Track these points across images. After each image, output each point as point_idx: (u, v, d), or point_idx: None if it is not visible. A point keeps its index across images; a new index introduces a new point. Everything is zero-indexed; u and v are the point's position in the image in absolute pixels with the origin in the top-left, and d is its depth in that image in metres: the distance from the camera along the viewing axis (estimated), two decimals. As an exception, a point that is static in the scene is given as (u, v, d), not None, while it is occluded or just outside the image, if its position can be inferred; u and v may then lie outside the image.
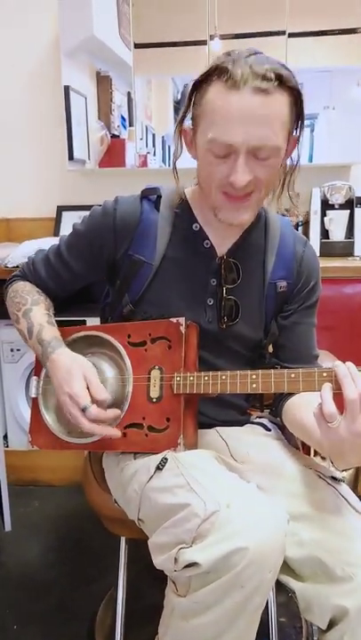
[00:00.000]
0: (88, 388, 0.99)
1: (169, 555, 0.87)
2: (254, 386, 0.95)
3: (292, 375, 0.92)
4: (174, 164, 1.04)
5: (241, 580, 0.82)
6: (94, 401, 0.98)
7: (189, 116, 1.00)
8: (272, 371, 0.95)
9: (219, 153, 0.93)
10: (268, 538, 0.84)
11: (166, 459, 0.97)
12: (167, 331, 1.05)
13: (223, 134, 0.91)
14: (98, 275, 1.18)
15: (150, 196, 1.11)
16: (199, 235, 1.10)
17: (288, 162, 1.02)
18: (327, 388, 0.86)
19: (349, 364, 0.87)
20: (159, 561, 0.90)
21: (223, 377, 0.98)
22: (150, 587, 1.48)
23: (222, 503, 0.85)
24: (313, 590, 0.91)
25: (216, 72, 0.91)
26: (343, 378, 0.85)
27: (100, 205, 1.12)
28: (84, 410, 0.97)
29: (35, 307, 1.13)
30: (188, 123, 1.01)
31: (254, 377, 0.95)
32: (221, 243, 1.09)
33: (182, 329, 1.04)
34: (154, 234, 1.09)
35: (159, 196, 1.10)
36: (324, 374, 0.89)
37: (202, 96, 0.94)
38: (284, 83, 0.90)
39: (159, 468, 0.96)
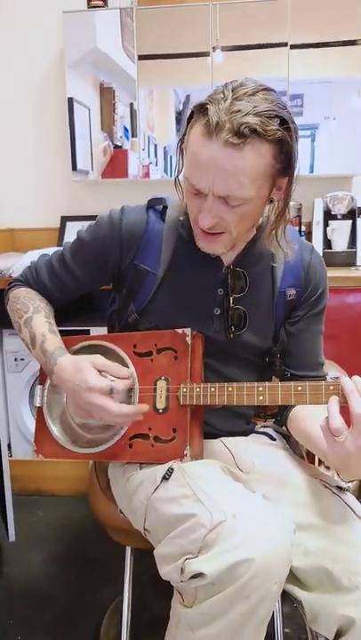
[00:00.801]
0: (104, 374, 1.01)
1: (175, 565, 0.87)
2: (261, 398, 0.96)
3: (299, 388, 0.93)
4: (177, 178, 1.05)
5: (247, 590, 0.82)
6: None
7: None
8: (279, 383, 0.95)
9: (192, 191, 0.95)
10: (273, 548, 0.84)
11: (172, 469, 0.98)
12: (173, 341, 1.06)
13: (193, 177, 0.93)
14: (102, 283, 1.19)
15: (156, 207, 1.12)
16: None
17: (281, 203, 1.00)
18: (334, 402, 0.86)
19: (356, 377, 0.87)
20: (165, 571, 0.90)
21: (230, 389, 0.99)
22: (155, 597, 1.48)
23: (228, 513, 0.86)
24: (319, 600, 0.91)
25: (201, 110, 0.91)
26: (350, 393, 0.85)
27: (107, 214, 1.13)
28: (111, 391, 0.98)
29: (36, 315, 1.13)
30: None
31: (261, 389, 0.96)
32: (228, 252, 1.09)
33: (188, 339, 1.04)
34: (159, 244, 1.10)
35: (165, 207, 1.11)
36: (331, 387, 0.89)
37: (191, 125, 0.94)
38: (265, 136, 0.87)
39: (165, 478, 0.97)
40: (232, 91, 0.89)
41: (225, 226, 0.97)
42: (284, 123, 0.89)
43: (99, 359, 1.03)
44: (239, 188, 0.90)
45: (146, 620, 1.43)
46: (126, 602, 1.25)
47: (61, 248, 1.20)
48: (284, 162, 0.93)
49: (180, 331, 1.06)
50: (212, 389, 1.00)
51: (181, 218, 1.10)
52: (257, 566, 0.81)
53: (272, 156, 0.91)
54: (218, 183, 0.90)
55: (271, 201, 1.00)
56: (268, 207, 1.02)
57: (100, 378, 1.00)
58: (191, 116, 0.94)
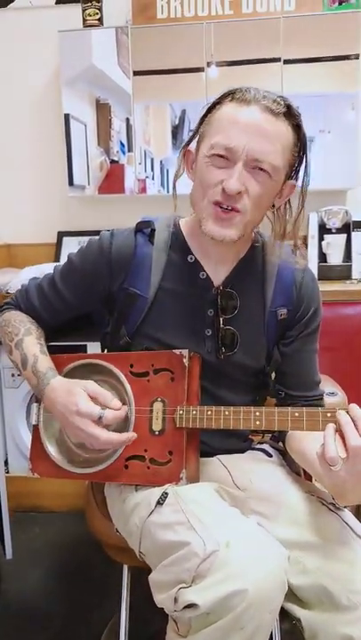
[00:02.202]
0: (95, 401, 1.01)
1: (169, 594, 0.87)
2: (258, 423, 0.96)
3: (296, 414, 0.93)
4: (174, 182, 1.07)
5: (241, 622, 0.81)
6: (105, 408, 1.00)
7: (197, 139, 1.03)
8: (276, 409, 0.95)
9: (218, 159, 0.96)
10: (267, 578, 0.84)
11: (167, 493, 0.97)
12: (170, 362, 1.06)
13: (227, 138, 0.95)
14: (91, 306, 1.19)
15: (145, 230, 1.12)
16: (194, 266, 1.10)
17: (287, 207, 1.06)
18: (331, 431, 0.86)
19: (353, 406, 0.87)
20: (159, 599, 0.90)
21: (226, 412, 0.98)
22: (153, 614, 1.47)
23: (222, 543, 0.85)
24: (318, 619, 0.91)
25: (229, 95, 0.97)
26: (345, 425, 0.85)
27: (97, 238, 1.13)
28: (99, 418, 0.98)
29: (27, 337, 1.13)
30: (193, 145, 1.05)
31: (258, 414, 0.96)
32: (217, 273, 1.10)
33: (185, 361, 1.04)
34: (148, 267, 1.10)
35: (153, 230, 1.12)
36: (328, 414, 0.89)
37: (211, 116, 0.99)
38: (293, 116, 0.96)
39: (159, 502, 0.97)
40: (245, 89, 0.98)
41: (244, 203, 0.97)
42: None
43: (91, 385, 1.03)
44: (273, 152, 0.95)
45: (143, 636, 1.42)
46: (123, 620, 1.25)
47: (52, 272, 1.20)
48: (297, 160, 1.00)
49: (177, 352, 1.05)
50: (209, 412, 1.00)
51: (176, 235, 1.11)
52: (251, 597, 0.81)
53: (292, 142, 0.98)
54: (255, 143, 0.94)
55: (273, 205, 1.03)
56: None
57: (90, 404, 0.99)
58: (206, 113, 1.01)
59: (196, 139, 1.04)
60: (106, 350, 1.25)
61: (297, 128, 0.99)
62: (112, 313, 1.16)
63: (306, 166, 1.02)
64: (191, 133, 1.05)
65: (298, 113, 0.98)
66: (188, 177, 1.07)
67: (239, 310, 1.10)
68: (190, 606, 0.83)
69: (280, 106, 0.95)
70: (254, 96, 0.95)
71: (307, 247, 2.36)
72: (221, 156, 0.96)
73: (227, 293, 1.09)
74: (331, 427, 0.87)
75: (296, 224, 1.06)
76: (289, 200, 1.06)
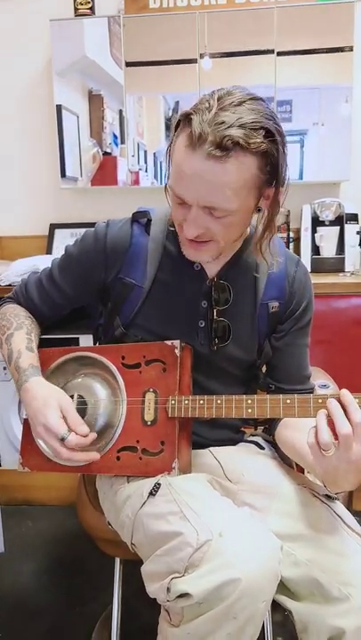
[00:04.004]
0: (65, 419, 0.99)
1: (161, 584, 0.86)
2: (250, 410, 0.96)
3: (288, 401, 0.92)
4: (166, 184, 1.05)
5: (233, 611, 0.81)
6: (71, 431, 0.98)
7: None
8: (268, 396, 0.95)
9: (177, 201, 0.95)
10: (260, 568, 0.84)
11: (159, 484, 0.97)
12: (162, 353, 1.05)
13: (177, 188, 0.93)
14: (89, 297, 1.18)
15: (141, 220, 1.11)
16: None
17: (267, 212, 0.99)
18: (322, 416, 0.86)
19: (344, 391, 0.87)
20: (152, 589, 0.90)
21: (218, 401, 0.98)
22: (146, 606, 1.47)
23: (215, 532, 0.85)
24: (309, 610, 0.91)
25: (186, 120, 0.89)
26: (335, 412, 0.85)
27: (93, 229, 1.13)
28: (62, 439, 0.97)
29: (17, 331, 1.13)
30: None
31: (250, 402, 0.96)
32: (212, 265, 1.09)
33: (177, 352, 1.04)
34: (144, 257, 1.09)
35: (149, 220, 1.11)
36: (320, 401, 0.89)
37: (177, 134, 0.92)
38: (249, 148, 0.86)
39: (152, 493, 0.96)
40: (218, 100, 0.87)
41: (211, 235, 0.96)
42: (270, 134, 0.88)
43: (66, 403, 1.01)
44: (223, 200, 0.90)
45: (136, 629, 1.42)
46: (116, 612, 1.25)
47: (51, 264, 1.19)
48: (271, 172, 0.92)
49: (168, 343, 1.05)
50: (201, 402, 1.00)
51: (172, 228, 1.09)
52: (244, 586, 0.81)
53: (257, 168, 0.90)
54: (201, 195, 0.90)
55: (259, 210, 0.99)
56: (256, 216, 1.01)
57: (59, 422, 0.98)
58: (178, 125, 0.93)
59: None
60: (98, 343, 1.24)
61: (261, 152, 0.89)
62: (106, 304, 1.15)
63: (283, 171, 0.94)
64: (170, 138, 1.01)
65: (254, 140, 0.86)
66: None
67: (232, 302, 1.09)
68: (183, 596, 0.83)
69: (226, 150, 0.85)
70: (200, 136, 0.85)
71: (300, 240, 2.36)
72: (178, 200, 0.94)
73: (220, 285, 1.09)
74: (322, 412, 0.86)
75: (264, 237, 1.00)
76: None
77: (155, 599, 0.91)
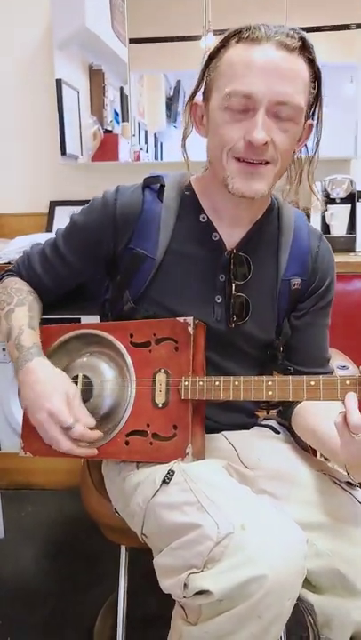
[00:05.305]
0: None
1: (178, 579, 0.80)
2: (270, 393, 0.89)
3: (312, 383, 0.86)
4: (183, 141, 0.99)
5: (258, 610, 0.75)
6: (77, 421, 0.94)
7: (201, 90, 0.95)
8: (290, 377, 0.88)
9: (237, 108, 0.88)
10: (287, 563, 0.78)
11: (173, 471, 0.90)
12: (173, 331, 0.99)
13: (244, 84, 0.86)
14: (96, 269, 1.11)
15: (153, 186, 1.04)
16: (207, 226, 1.03)
17: (303, 152, 0.98)
18: (352, 397, 0.80)
19: None
20: (166, 585, 0.84)
21: (236, 383, 0.91)
22: (151, 594, 1.43)
23: (236, 524, 0.79)
24: (332, 604, 0.87)
25: (234, 36, 0.88)
26: None
27: (101, 195, 1.06)
28: (68, 428, 0.92)
29: (18, 307, 1.07)
30: (199, 98, 0.96)
31: (270, 383, 0.89)
32: (231, 235, 1.03)
33: (190, 329, 0.97)
34: (157, 226, 1.02)
35: (162, 185, 1.04)
36: (348, 382, 0.83)
37: (217, 61, 0.90)
38: (307, 49, 0.87)
39: (165, 481, 0.89)
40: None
41: (272, 154, 0.90)
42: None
43: (72, 390, 0.97)
44: (294, 92, 0.87)
45: (141, 618, 1.39)
46: (121, 602, 1.20)
47: (55, 234, 1.12)
48: (315, 98, 0.93)
49: (181, 319, 0.98)
50: (217, 383, 0.93)
51: (187, 192, 1.03)
52: (270, 584, 0.75)
53: (310, 79, 0.90)
54: (276, 85, 0.85)
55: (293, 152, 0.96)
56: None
57: (65, 409, 0.94)
58: (209, 61, 0.92)
59: (202, 90, 0.95)
60: (107, 319, 1.17)
61: (311, 62, 0.90)
62: (114, 277, 1.08)
63: (320, 101, 0.94)
64: (195, 84, 0.96)
65: (311, 45, 0.88)
66: (198, 133, 0.99)
67: (251, 277, 1.03)
68: (202, 592, 0.77)
69: (294, 39, 0.86)
70: (265, 33, 0.86)
71: (309, 218, 2.29)
72: (239, 106, 0.87)
73: (239, 258, 1.02)
74: (352, 394, 0.80)
75: (312, 164, 0.98)
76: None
77: (159, 587, 0.86)
